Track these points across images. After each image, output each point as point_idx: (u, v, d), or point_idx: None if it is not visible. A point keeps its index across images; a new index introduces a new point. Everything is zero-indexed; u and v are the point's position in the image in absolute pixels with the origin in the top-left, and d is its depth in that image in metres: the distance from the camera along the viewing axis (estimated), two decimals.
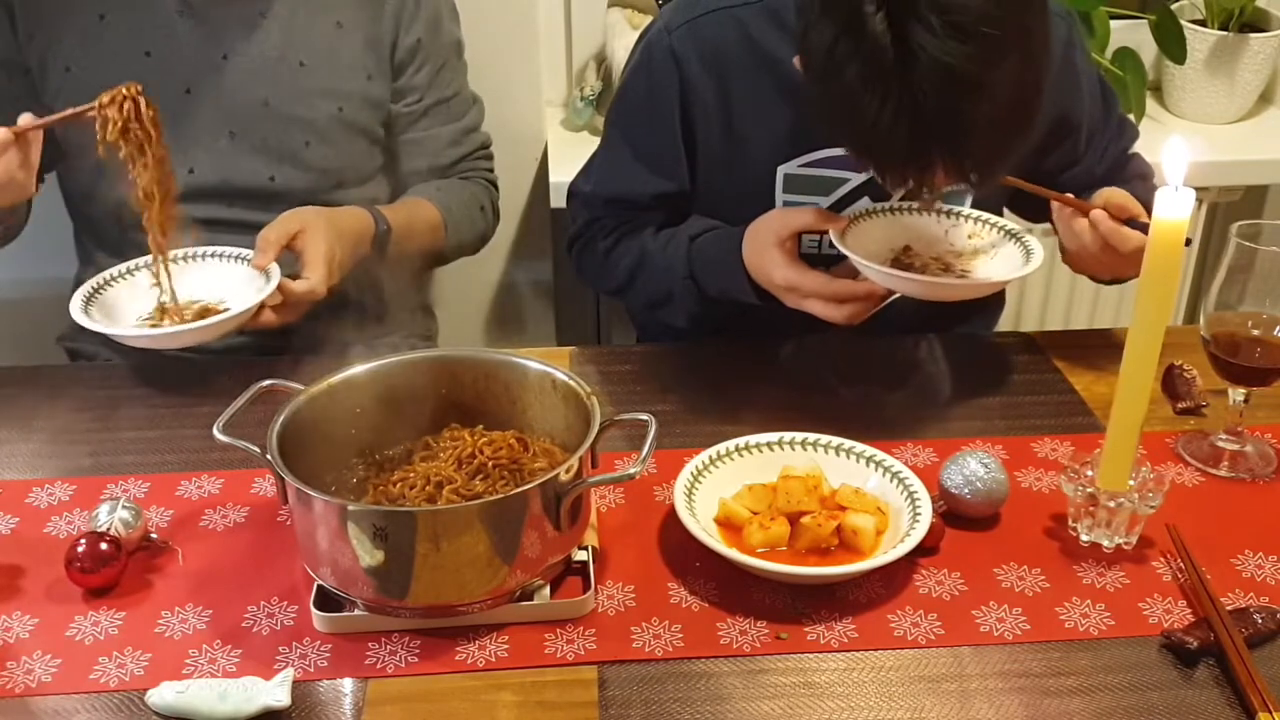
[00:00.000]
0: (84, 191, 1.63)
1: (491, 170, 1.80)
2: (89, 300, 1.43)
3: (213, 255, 1.49)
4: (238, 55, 1.55)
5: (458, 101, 1.72)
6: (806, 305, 1.35)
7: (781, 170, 1.47)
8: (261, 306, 1.40)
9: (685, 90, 1.45)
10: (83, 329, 1.74)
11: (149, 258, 1.45)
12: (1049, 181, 1.47)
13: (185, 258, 1.48)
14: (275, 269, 1.42)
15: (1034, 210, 1.59)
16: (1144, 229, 1.30)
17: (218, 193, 1.57)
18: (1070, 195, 1.37)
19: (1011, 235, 1.42)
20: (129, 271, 1.47)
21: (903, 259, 1.42)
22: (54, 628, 1.07)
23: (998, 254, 1.41)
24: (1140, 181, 1.50)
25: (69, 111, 1.39)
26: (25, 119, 1.36)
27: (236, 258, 1.48)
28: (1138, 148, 1.58)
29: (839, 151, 1.43)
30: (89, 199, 1.60)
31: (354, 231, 1.52)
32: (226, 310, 1.41)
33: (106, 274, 1.46)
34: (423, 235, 1.65)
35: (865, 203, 1.46)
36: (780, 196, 1.48)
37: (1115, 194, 1.35)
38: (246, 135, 1.57)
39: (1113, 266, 1.38)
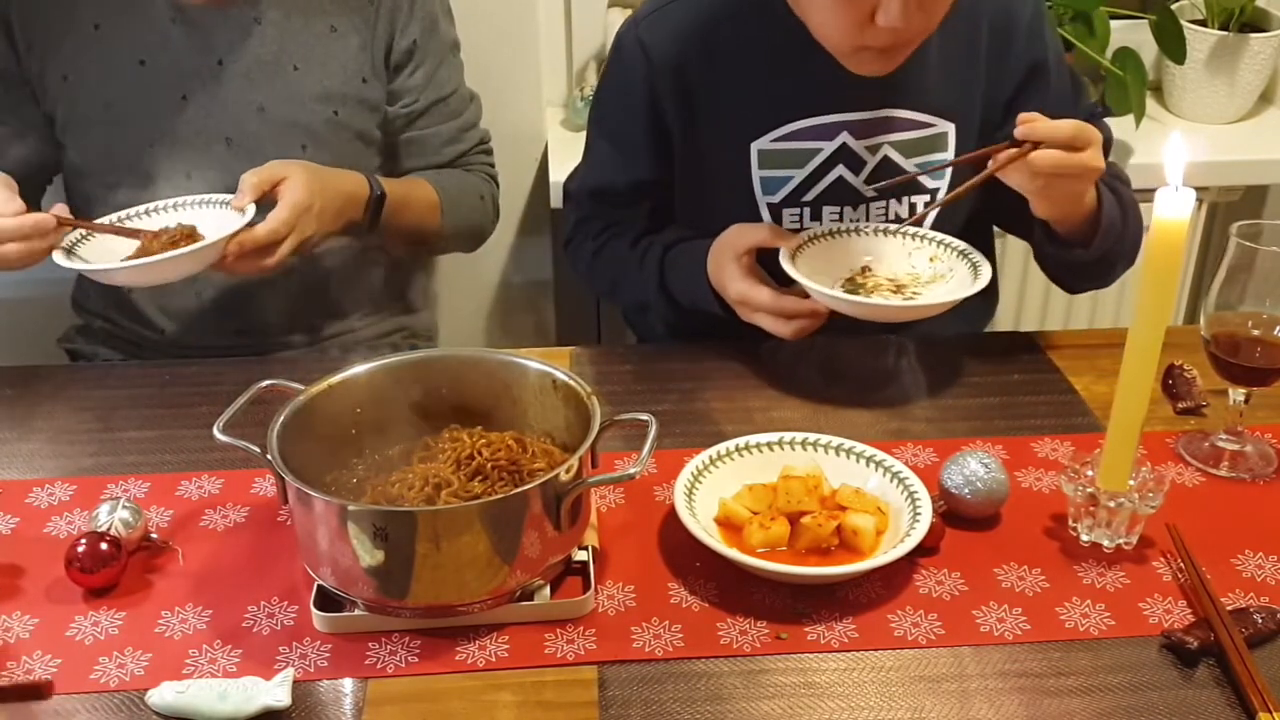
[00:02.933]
0: (85, 196, 1.63)
1: (492, 165, 1.81)
2: (72, 249, 1.43)
3: (195, 203, 1.50)
4: (232, 61, 1.55)
5: (455, 99, 1.72)
6: (756, 319, 1.39)
7: (755, 146, 1.50)
8: (228, 244, 1.39)
9: (654, 79, 1.49)
10: (81, 329, 1.75)
11: (137, 208, 1.48)
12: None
13: (172, 207, 1.49)
14: (252, 210, 1.42)
15: (1020, 226, 1.57)
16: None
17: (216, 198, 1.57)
18: (1003, 155, 1.30)
19: (967, 258, 1.42)
20: (119, 221, 1.49)
21: (858, 278, 1.44)
22: (54, 628, 1.07)
23: (953, 277, 1.42)
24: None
25: (113, 227, 1.45)
26: (61, 210, 1.39)
27: (220, 203, 1.48)
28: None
29: (810, 121, 1.48)
30: (88, 203, 1.61)
31: (342, 191, 1.53)
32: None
33: (98, 222, 1.48)
34: (418, 211, 1.66)
35: (832, 224, 1.49)
36: (756, 173, 1.51)
37: (1027, 119, 1.29)
38: (243, 141, 1.57)
39: (1072, 189, 1.32)
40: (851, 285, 1.43)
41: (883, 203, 1.52)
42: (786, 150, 1.49)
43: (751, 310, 1.39)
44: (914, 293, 1.42)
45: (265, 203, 1.44)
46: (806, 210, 1.52)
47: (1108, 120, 2.24)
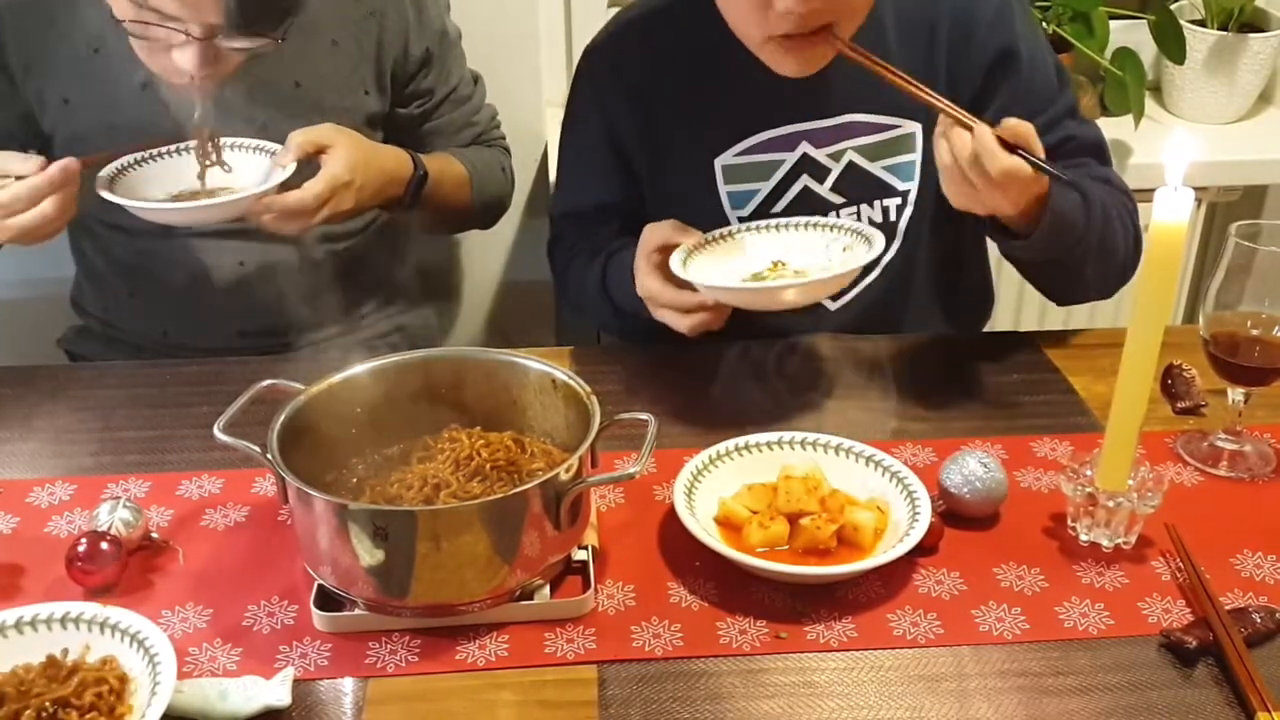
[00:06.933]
0: (78, 219, 1.63)
1: (503, 137, 1.84)
2: (114, 179, 1.45)
3: (238, 146, 1.51)
4: (233, 81, 1.54)
5: (463, 85, 1.75)
6: (661, 315, 1.38)
7: (718, 162, 1.50)
8: (256, 200, 1.40)
9: (612, 103, 1.52)
10: (80, 330, 1.75)
11: (177, 145, 1.49)
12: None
13: (224, 146, 1.51)
14: (291, 168, 1.44)
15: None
16: (1031, 163, 1.19)
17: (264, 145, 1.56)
18: (957, 108, 1.23)
19: (869, 242, 1.36)
20: (157, 155, 1.50)
21: (767, 273, 1.41)
22: None
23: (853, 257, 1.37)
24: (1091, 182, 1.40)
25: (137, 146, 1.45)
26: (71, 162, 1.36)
27: (256, 149, 1.50)
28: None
29: (769, 134, 1.48)
30: (82, 198, 1.60)
31: (384, 169, 1.54)
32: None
33: (136, 155, 1.48)
34: (453, 188, 1.69)
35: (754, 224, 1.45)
36: (723, 189, 1.51)
37: (1019, 124, 1.22)
38: None
39: (976, 195, 1.23)
40: (758, 279, 1.39)
41: (853, 208, 1.50)
42: (749, 164, 1.50)
43: (657, 306, 1.37)
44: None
45: (310, 163, 1.45)
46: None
47: (1104, 121, 2.24)
